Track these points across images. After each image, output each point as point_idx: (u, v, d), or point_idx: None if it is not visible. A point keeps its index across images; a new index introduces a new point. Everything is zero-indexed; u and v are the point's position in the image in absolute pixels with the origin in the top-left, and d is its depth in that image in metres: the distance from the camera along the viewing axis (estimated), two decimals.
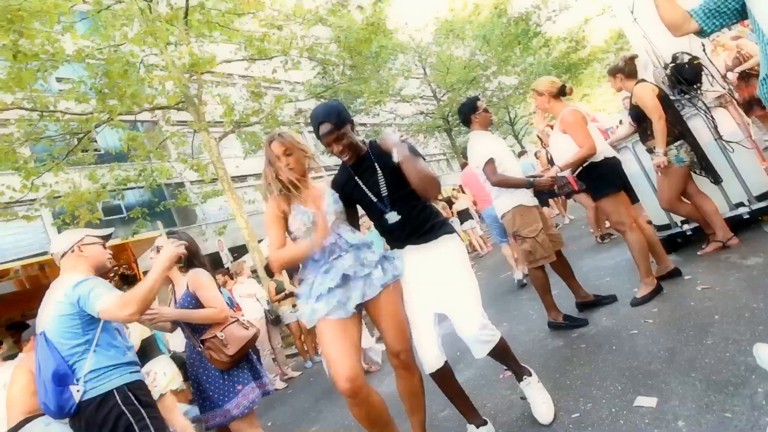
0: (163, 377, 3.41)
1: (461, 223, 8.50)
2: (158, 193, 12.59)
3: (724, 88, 3.28)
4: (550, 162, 4.44)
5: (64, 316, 1.71)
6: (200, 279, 2.14)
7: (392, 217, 1.80)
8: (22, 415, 2.34)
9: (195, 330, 2.11)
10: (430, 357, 1.77)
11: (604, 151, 2.70)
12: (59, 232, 8.31)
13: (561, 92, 2.77)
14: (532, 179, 2.69)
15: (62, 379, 1.67)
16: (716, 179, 2.90)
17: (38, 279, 5.54)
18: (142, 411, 1.72)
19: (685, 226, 3.27)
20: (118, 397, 1.69)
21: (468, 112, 2.83)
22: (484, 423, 1.84)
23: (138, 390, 1.77)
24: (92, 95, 7.12)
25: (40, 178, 7.25)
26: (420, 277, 1.79)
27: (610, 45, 17.21)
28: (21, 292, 5.39)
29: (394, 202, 1.81)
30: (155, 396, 3.35)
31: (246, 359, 2.16)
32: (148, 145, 9.29)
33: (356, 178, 1.85)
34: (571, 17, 15.38)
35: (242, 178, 16.69)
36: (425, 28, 16.22)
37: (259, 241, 8.39)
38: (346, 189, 1.88)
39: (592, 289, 2.98)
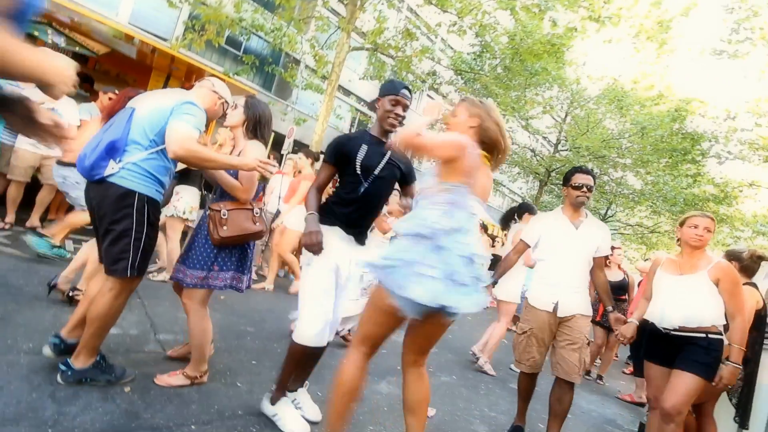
0: (186, 204, 3.75)
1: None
2: (275, 56, 13.07)
3: None
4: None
5: (159, 113, 1.80)
6: (253, 152, 2.06)
7: (362, 190, 1.92)
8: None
9: (222, 193, 2.10)
10: (324, 334, 1.87)
11: None
12: (185, 30, 8.93)
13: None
14: (496, 280, 2.65)
15: (111, 150, 1.77)
16: (743, 423, 2.58)
17: (146, 57, 6.04)
18: (145, 226, 1.82)
19: None
20: (136, 202, 1.78)
21: (563, 181, 2.57)
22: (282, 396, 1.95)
23: (153, 208, 1.86)
24: None
25: None
26: (344, 261, 1.93)
27: (756, 222, 15.08)
28: (129, 58, 5.91)
29: (370, 188, 1.93)
30: (168, 214, 3.71)
31: (241, 248, 2.10)
32: (297, 12, 9.53)
33: (366, 146, 1.94)
34: (740, 169, 13.56)
35: (347, 92, 16.94)
36: (598, 80, 14.97)
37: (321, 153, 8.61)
38: (351, 144, 1.94)
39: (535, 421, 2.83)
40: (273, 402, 1.93)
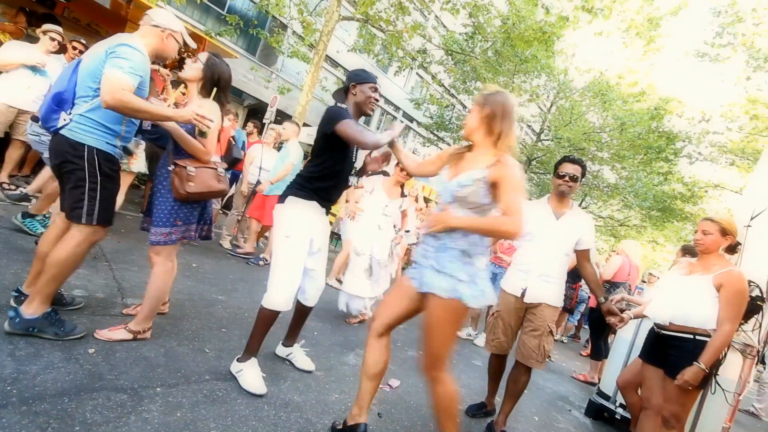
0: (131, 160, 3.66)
1: None
2: (262, 19, 12.50)
3: (761, 346, 3.07)
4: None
5: (96, 59, 1.79)
6: (210, 113, 2.00)
7: (343, 165, 2.11)
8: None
9: (178, 150, 2.06)
10: (292, 299, 2.05)
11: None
12: None
13: (731, 248, 2.32)
14: None
15: (60, 102, 1.81)
16: None
17: (121, 8, 5.68)
18: (99, 177, 1.84)
19: (621, 411, 3.23)
20: (86, 154, 1.80)
21: (553, 169, 2.52)
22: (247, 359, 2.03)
23: (105, 160, 1.86)
24: None
25: None
26: (318, 233, 2.14)
27: None
28: (102, 7, 5.54)
29: (348, 163, 2.13)
30: None
31: (203, 203, 2.14)
32: None
33: None
34: (707, 170, 14.15)
35: (335, 63, 16.47)
36: (585, 72, 15.05)
37: (304, 125, 8.39)
38: None
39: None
40: (241, 361, 2.01)
